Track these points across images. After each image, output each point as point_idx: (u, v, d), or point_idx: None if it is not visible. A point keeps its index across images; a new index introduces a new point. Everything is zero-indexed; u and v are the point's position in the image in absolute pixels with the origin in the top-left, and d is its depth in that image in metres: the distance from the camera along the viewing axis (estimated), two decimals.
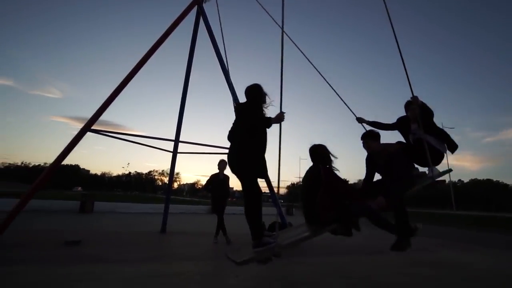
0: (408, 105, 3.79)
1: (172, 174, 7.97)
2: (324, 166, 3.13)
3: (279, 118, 2.89)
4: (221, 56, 7.17)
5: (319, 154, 3.20)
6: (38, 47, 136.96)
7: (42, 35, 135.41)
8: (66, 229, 7.12)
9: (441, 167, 3.64)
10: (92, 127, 5.58)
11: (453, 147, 3.55)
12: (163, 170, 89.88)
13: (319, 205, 2.97)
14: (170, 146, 7.69)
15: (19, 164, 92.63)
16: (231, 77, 7.09)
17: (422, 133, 3.48)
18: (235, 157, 2.92)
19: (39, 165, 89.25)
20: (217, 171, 6.79)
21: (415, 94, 3.45)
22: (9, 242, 4.90)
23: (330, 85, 4.35)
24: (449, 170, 3.60)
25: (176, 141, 7.38)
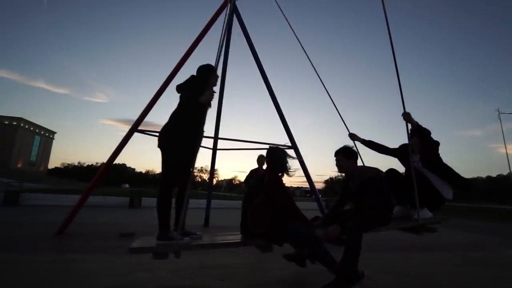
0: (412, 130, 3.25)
1: (212, 170, 8.23)
2: (274, 173, 2.79)
3: (207, 97, 2.71)
4: (256, 52, 7.20)
5: (273, 158, 2.88)
6: (87, 56, 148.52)
7: (90, 45, 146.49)
8: (119, 223, 7.72)
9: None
10: (138, 128, 5.96)
11: (464, 187, 3.03)
12: (201, 167, 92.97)
13: (251, 215, 2.70)
14: (209, 143, 7.94)
15: (76, 164, 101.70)
16: (266, 72, 7.12)
17: (421, 167, 3.09)
18: (162, 131, 2.77)
19: (91, 164, 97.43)
20: (256, 166, 6.85)
21: (407, 110, 3.05)
22: (73, 233, 5.45)
23: (326, 90, 4.39)
24: (444, 219, 3.24)
25: (216, 138, 7.59)
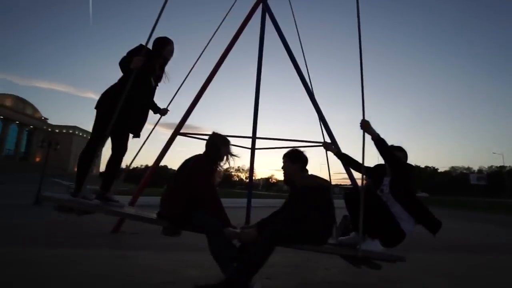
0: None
1: (252, 169, 8.34)
2: (202, 160, 2.61)
3: (134, 62, 2.51)
4: (290, 49, 7.13)
5: (209, 143, 2.69)
6: None
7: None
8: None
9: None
10: (180, 131, 6.24)
11: (433, 228, 2.54)
12: (238, 167, 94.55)
13: (167, 196, 2.57)
14: (247, 143, 8.05)
15: (124, 167, 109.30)
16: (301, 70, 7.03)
17: (387, 192, 2.58)
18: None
19: (137, 167, 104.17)
20: None
21: (366, 118, 2.60)
22: (127, 231, 5.88)
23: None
24: (399, 259, 2.51)
25: (254, 137, 7.67)
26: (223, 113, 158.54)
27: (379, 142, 2.62)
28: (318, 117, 6.88)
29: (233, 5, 6.24)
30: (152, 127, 3.76)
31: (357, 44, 2.65)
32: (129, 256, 4.02)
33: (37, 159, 66.30)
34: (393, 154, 2.65)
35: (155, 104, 3.18)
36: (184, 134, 6.31)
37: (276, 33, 7.33)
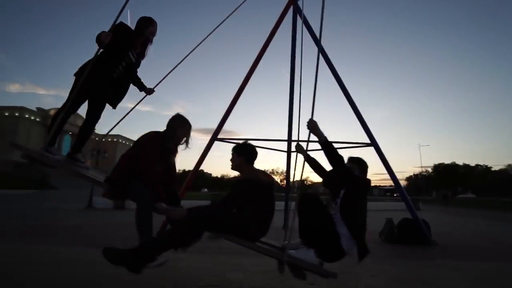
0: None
1: (288, 172, 8.29)
2: (157, 136, 2.59)
3: (102, 37, 2.54)
4: (324, 51, 6.99)
5: (168, 124, 2.65)
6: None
7: (166, 65, 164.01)
8: None
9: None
10: (218, 137, 6.40)
11: (361, 255, 2.41)
12: (273, 169, 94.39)
13: (119, 161, 2.55)
14: (283, 146, 8.02)
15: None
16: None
17: (339, 204, 2.43)
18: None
19: (178, 171, 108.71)
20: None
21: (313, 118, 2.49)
22: None
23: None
24: (331, 275, 2.42)
25: (289, 140, 7.62)
26: (258, 116, 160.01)
27: (326, 146, 2.52)
28: (357, 117, 6.65)
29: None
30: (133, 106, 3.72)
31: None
32: (173, 259, 4.18)
33: None
34: (342, 162, 2.52)
35: (141, 82, 3.25)
36: (222, 140, 6.47)
37: (306, 33, 7.24)
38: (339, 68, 6.92)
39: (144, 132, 2.69)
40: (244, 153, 2.61)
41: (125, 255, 2.19)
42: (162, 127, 2.73)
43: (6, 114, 64.56)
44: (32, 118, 68.81)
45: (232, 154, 2.66)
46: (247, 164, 2.60)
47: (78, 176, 2.64)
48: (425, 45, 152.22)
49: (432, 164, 73.78)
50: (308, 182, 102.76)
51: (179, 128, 2.63)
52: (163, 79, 3.65)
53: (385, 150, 6.57)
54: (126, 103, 3.51)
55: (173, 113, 2.73)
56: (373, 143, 6.58)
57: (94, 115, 2.82)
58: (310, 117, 2.67)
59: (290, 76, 7.94)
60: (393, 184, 7.42)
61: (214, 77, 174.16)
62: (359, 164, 2.71)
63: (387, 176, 6.68)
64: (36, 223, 7.90)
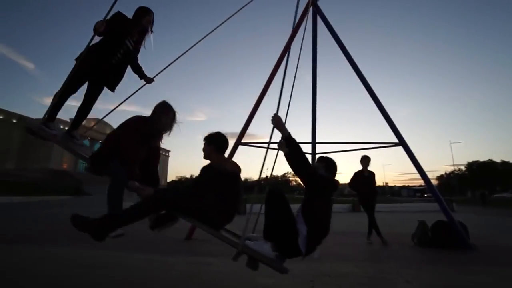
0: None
1: None
2: (142, 120, 2.72)
3: (97, 26, 2.71)
4: (346, 49, 6.88)
5: (153, 109, 2.75)
6: (189, 83, 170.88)
7: (190, 73, 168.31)
8: (234, 228, 8.42)
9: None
10: (242, 141, 6.46)
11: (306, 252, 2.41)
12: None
13: (104, 139, 2.72)
14: (307, 148, 7.93)
15: (188, 176, 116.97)
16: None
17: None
18: None
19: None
20: (360, 168, 6.50)
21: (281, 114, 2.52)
22: (198, 238, 6.25)
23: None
24: (284, 270, 2.42)
25: (313, 142, 7.54)
26: (287, 121, 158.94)
27: (289, 142, 2.50)
28: (383, 116, 6.46)
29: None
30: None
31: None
32: (204, 263, 4.26)
33: None
34: (304, 160, 2.48)
35: (142, 71, 3.38)
36: (246, 144, 6.52)
37: (326, 34, 7.17)
38: (361, 65, 6.77)
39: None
40: (214, 142, 2.67)
41: (90, 223, 2.36)
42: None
43: None
44: (66, 128, 72.89)
45: (204, 143, 2.72)
46: (217, 153, 2.66)
47: (69, 151, 2.85)
48: (454, 33, 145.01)
49: (465, 162, 69.55)
50: None
51: (162, 115, 2.73)
52: (163, 70, 3.78)
53: (412, 149, 6.32)
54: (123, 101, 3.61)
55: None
56: (401, 142, 6.35)
57: (91, 96, 3.03)
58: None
59: (312, 77, 7.89)
60: (422, 184, 7.10)
61: (235, 82, 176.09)
62: (326, 164, 2.71)
63: (416, 176, 6.56)
64: (73, 228, 8.33)
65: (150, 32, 3.27)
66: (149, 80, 3.48)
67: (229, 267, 3.94)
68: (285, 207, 2.47)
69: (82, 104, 3.06)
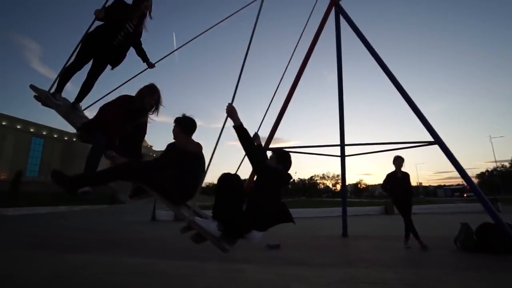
0: None
1: (344, 177, 7.98)
2: (128, 98, 2.95)
3: (96, 13, 2.98)
4: (372, 47, 6.69)
5: (140, 90, 2.97)
6: (209, 88, 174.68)
7: (212, 81, 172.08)
8: (264, 234, 8.39)
9: None
10: (269, 146, 6.47)
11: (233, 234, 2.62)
12: (323, 174, 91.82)
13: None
14: (336, 151, 7.77)
15: (215, 182, 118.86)
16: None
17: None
18: None
19: None
20: (393, 169, 6.24)
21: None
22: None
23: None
24: (222, 249, 2.57)
25: (342, 144, 7.37)
26: (301, 120, 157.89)
27: (239, 131, 2.67)
28: (415, 114, 6.18)
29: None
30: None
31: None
32: (238, 270, 4.27)
33: None
34: (253, 149, 2.66)
35: (145, 55, 3.68)
36: (273, 149, 6.50)
37: (347, 34, 7.02)
38: (388, 61, 6.54)
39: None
40: (180, 124, 2.87)
41: (65, 179, 2.60)
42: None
43: (74, 139, 73.58)
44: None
45: (173, 125, 2.93)
46: (183, 134, 2.86)
47: (64, 118, 3.09)
48: (490, 20, 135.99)
49: (509, 158, 64.26)
50: (362, 186, 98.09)
51: (146, 95, 2.96)
52: (165, 57, 3.96)
53: (448, 146, 5.96)
54: None
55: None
56: (437, 140, 6.02)
57: (95, 73, 3.34)
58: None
59: (338, 78, 7.74)
60: (460, 183, 6.66)
61: (256, 86, 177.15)
62: (277, 156, 2.83)
63: (452, 174, 6.14)
64: (113, 236, 8.76)
65: (149, 17, 3.56)
66: (150, 65, 3.72)
67: (263, 275, 3.94)
68: (233, 191, 2.60)
69: (85, 80, 3.36)
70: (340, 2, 7.56)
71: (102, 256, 5.44)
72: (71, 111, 3.26)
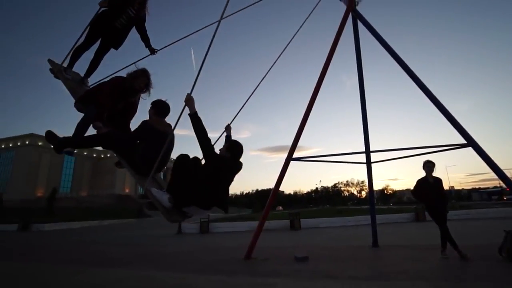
0: None
1: (371, 184, 7.73)
2: (121, 79, 3.30)
3: (100, 2, 3.51)
4: (394, 52, 6.53)
5: (131, 73, 3.30)
6: (229, 102, 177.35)
7: (229, 93, 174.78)
8: (288, 246, 8.26)
9: None
10: (293, 156, 6.42)
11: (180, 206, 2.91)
12: (347, 181, 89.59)
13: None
14: (362, 158, 7.57)
15: (238, 193, 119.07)
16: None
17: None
18: None
19: (248, 192, 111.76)
20: (424, 174, 5.95)
21: None
22: (257, 257, 6.21)
23: None
24: (169, 219, 2.88)
25: (367, 151, 7.17)
26: (323, 127, 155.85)
27: (193, 119, 2.85)
28: (444, 115, 5.91)
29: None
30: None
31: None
32: (268, 284, 4.20)
33: None
34: (205, 137, 2.82)
35: (148, 41, 3.98)
36: (298, 159, 6.46)
37: (364, 38, 6.90)
38: (408, 61, 6.34)
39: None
40: (154, 106, 3.21)
41: (56, 139, 3.07)
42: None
43: (108, 155, 76.97)
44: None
45: (150, 107, 3.27)
46: (156, 115, 3.18)
47: (67, 89, 3.51)
48: None
49: None
50: (388, 192, 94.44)
51: (137, 77, 3.29)
52: (167, 46, 4.21)
53: (482, 147, 5.62)
54: None
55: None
56: (470, 142, 5.69)
57: (101, 52, 3.75)
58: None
59: (359, 84, 7.61)
60: (498, 185, 6.21)
61: (277, 96, 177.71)
62: (228, 145, 3.15)
63: (488, 176, 5.72)
64: (143, 250, 8.95)
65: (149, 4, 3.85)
66: (152, 51, 4.00)
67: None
68: (184, 170, 2.90)
69: (93, 58, 3.78)
70: (357, 7, 7.51)
71: (135, 270, 5.57)
72: (78, 84, 3.73)
